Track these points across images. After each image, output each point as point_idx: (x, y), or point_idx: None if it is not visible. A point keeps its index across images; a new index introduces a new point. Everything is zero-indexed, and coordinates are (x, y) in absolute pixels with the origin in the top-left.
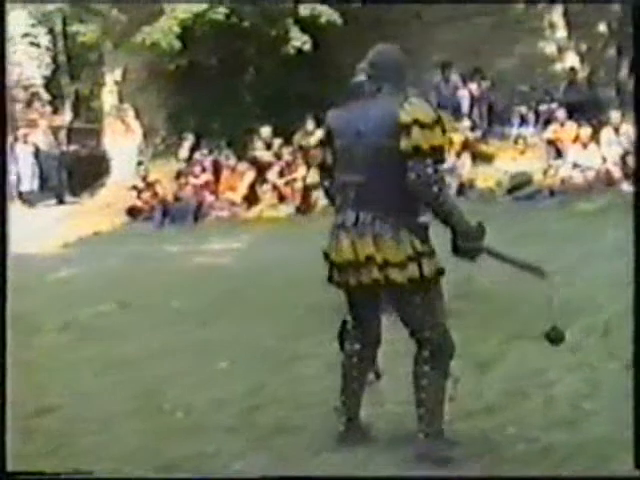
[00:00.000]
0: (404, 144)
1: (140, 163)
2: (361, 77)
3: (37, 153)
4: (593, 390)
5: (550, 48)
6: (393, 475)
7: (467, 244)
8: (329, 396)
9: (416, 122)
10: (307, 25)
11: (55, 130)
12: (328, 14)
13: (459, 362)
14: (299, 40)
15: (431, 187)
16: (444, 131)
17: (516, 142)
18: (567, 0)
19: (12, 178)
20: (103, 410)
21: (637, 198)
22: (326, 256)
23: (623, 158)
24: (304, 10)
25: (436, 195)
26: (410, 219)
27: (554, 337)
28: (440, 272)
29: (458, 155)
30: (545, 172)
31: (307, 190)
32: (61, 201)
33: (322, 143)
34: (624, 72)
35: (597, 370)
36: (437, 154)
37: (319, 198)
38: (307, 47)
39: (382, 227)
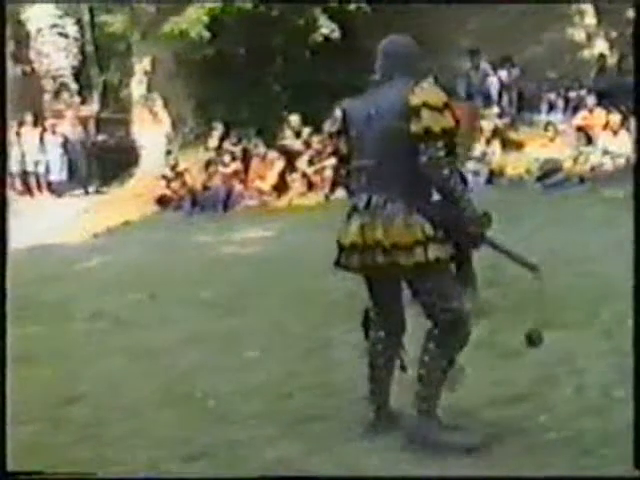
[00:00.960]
0: (415, 127)
1: (169, 152)
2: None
3: (65, 143)
4: (624, 377)
5: (579, 35)
6: (393, 475)
7: (472, 230)
8: (360, 383)
9: (425, 105)
10: (335, 13)
11: (83, 120)
12: (356, 1)
13: (488, 351)
14: (327, 28)
15: (442, 169)
16: (454, 116)
17: (546, 129)
18: None
19: (41, 169)
20: (134, 398)
21: (637, 194)
22: (338, 241)
23: None
24: None
25: (447, 177)
26: (422, 202)
27: (535, 338)
28: (446, 259)
29: (488, 142)
30: (575, 159)
31: (337, 178)
32: (90, 191)
33: (338, 133)
34: None
35: (628, 356)
36: (447, 138)
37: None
38: (335, 35)
39: (393, 209)
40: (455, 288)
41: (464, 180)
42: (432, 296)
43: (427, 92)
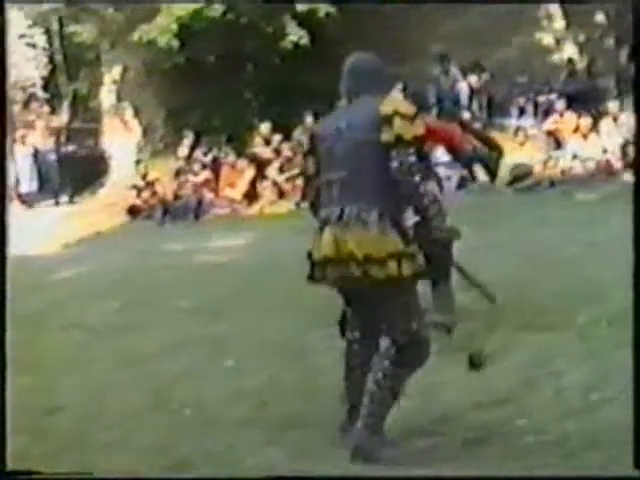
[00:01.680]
0: (386, 135)
1: (139, 162)
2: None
3: (36, 154)
4: (602, 380)
5: (548, 39)
6: (393, 475)
7: (440, 237)
8: (340, 389)
9: (397, 113)
10: (304, 19)
11: (53, 130)
12: (325, 8)
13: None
14: (296, 35)
15: (413, 176)
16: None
17: (516, 134)
18: None
19: (11, 180)
20: (114, 408)
21: (637, 189)
22: (309, 255)
23: (623, 148)
24: (301, 5)
25: (417, 184)
26: (395, 215)
27: (477, 362)
28: (418, 274)
29: None
30: (545, 163)
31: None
32: (61, 202)
33: (305, 154)
34: (623, 61)
35: (605, 359)
36: (418, 146)
37: None
38: (304, 41)
39: (367, 220)
40: (418, 308)
41: (440, 186)
42: (394, 313)
43: (398, 101)
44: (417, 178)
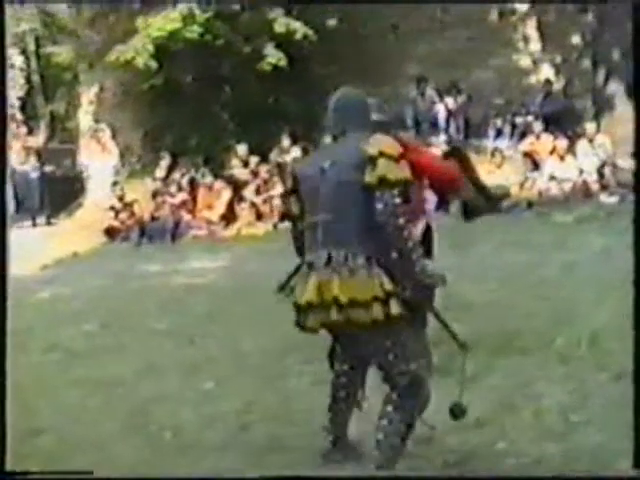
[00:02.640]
0: (369, 176)
1: (116, 183)
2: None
3: (12, 174)
4: (582, 402)
5: (525, 60)
6: (392, 475)
7: (421, 292)
8: (319, 413)
9: (382, 154)
10: (282, 41)
11: (31, 151)
12: (303, 30)
13: (445, 378)
14: (274, 57)
15: (397, 218)
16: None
17: (493, 155)
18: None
19: None
20: (93, 431)
21: (637, 201)
22: (294, 302)
23: (600, 169)
24: (279, 27)
25: (401, 226)
26: (383, 257)
27: (457, 412)
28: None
29: None
30: (522, 185)
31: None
32: (38, 223)
33: (286, 193)
34: (599, 83)
35: (585, 381)
36: (403, 188)
37: None
38: (282, 63)
39: (355, 265)
40: (414, 349)
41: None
42: (389, 356)
43: (383, 142)
44: (401, 220)
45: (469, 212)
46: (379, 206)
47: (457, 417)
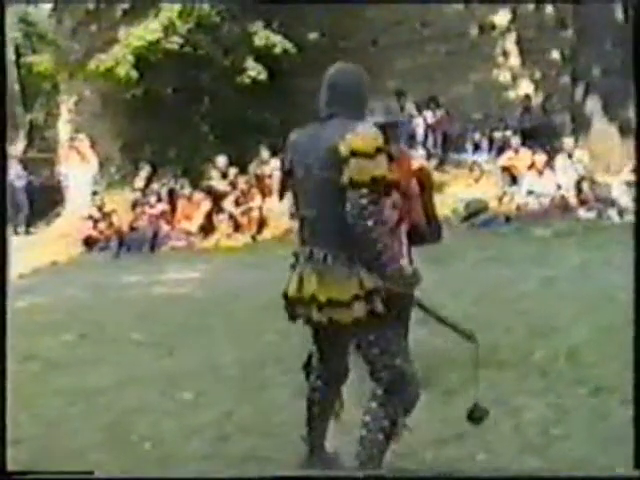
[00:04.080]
0: (343, 176)
1: (95, 193)
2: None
3: None
4: (560, 415)
5: (504, 75)
6: (390, 475)
7: (396, 287)
8: (297, 424)
9: (354, 154)
10: (262, 54)
11: (8, 160)
12: (283, 44)
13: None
14: (254, 70)
15: (365, 219)
16: (390, 161)
17: (471, 169)
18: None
19: None
20: (71, 441)
21: (638, 211)
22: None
23: (578, 184)
24: (259, 40)
25: (369, 229)
26: (364, 256)
27: (477, 415)
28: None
29: None
30: (500, 199)
31: (262, 219)
32: (16, 231)
33: (285, 174)
34: (578, 98)
35: (563, 396)
36: (378, 186)
37: (275, 227)
38: (262, 77)
39: (334, 263)
40: (400, 345)
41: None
42: (374, 350)
43: (358, 138)
44: (370, 222)
45: (413, 237)
46: (348, 207)
47: (477, 420)
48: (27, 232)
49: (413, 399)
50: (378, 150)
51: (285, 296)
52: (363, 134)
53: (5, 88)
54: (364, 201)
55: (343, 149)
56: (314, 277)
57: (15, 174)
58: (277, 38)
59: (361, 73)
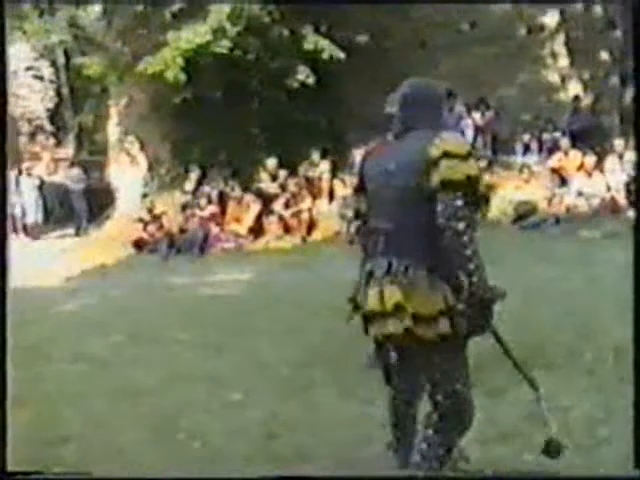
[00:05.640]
0: (433, 179)
1: (145, 195)
2: (392, 109)
3: (41, 185)
4: (607, 415)
5: (553, 77)
6: (393, 475)
7: (476, 305)
8: (344, 423)
9: (446, 154)
10: (310, 58)
11: (59, 162)
12: (331, 49)
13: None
14: (302, 73)
15: (457, 221)
16: (478, 165)
17: (521, 171)
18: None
19: (17, 211)
20: (119, 440)
21: (638, 211)
22: (355, 305)
23: (627, 185)
24: (307, 44)
25: (460, 232)
26: (446, 269)
27: (553, 450)
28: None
29: None
30: (550, 200)
31: (312, 221)
32: (66, 234)
33: (356, 190)
34: (628, 99)
35: (610, 394)
36: (469, 187)
37: (325, 229)
38: (310, 80)
39: (416, 276)
40: (463, 369)
41: None
42: (436, 373)
43: (448, 142)
44: (461, 225)
45: None
46: (439, 207)
47: (553, 455)
48: (77, 234)
49: (467, 425)
50: (469, 153)
51: (364, 313)
52: (452, 139)
53: (5, 88)
54: (459, 202)
55: (434, 151)
56: (397, 290)
57: (72, 177)
58: (325, 42)
59: (436, 86)
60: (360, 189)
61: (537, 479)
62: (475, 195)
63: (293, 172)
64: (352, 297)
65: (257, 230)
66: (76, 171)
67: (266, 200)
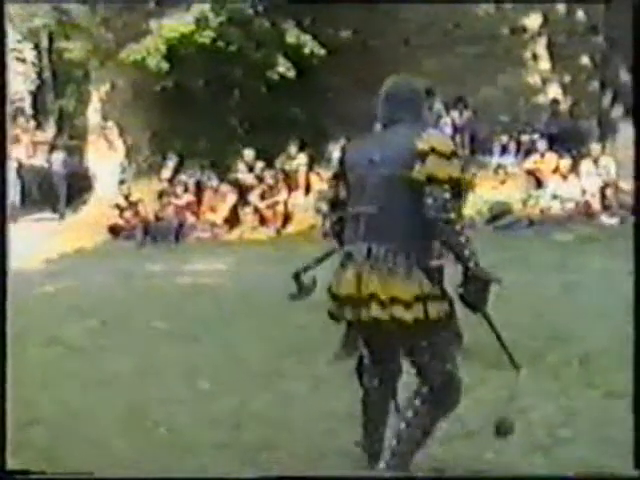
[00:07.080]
0: (417, 173)
1: (123, 181)
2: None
3: (20, 168)
4: (570, 418)
5: (534, 79)
6: (393, 475)
7: (475, 288)
8: (314, 416)
9: (433, 151)
10: (292, 52)
11: (38, 145)
12: (312, 45)
13: None
14: (283, 66)
15: (448, 212)
16: (461, 165)
17: (496, 172)
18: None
19: None
20: (89, 425)
21: (638, 211)
22: (329, 290)
23: (602, 190)
24: (289, 38)
25: (453, 220)
26: (423, 256)
27: (504, 430)
28: (448, 316)
29: None
30: (524, 202)
31: (287, 213)
32: (43, 217)
33: (335, 177)
34: (606, 105)
35: (574, 398)
36: (454, 185)
37: (300, 222)
38: (290, 74)
39: (395, 261)
40: (450, 349)
41: None
42: (426, 356)
43: (435, 138)
44: (452, 215)
45: None
46: (429, 201)
47: (503, 434)
48: (53, 217)
49: (454, 404)
50: (453, 153)
51: (335, 295)
52: (439, 136)
53: (5, 87)
54: (446, 195)
55: (421, 145)
56: (375, 275)
57: (57, 161)
58: (307, 37)
59: (417, 82)
60: (339, 177)
61: (534, 479)
62: (459, 189)
63: (270, 164)
64: (296, 272)
65: (232, 220)
66: (61, 154)
67: (242, 191)
